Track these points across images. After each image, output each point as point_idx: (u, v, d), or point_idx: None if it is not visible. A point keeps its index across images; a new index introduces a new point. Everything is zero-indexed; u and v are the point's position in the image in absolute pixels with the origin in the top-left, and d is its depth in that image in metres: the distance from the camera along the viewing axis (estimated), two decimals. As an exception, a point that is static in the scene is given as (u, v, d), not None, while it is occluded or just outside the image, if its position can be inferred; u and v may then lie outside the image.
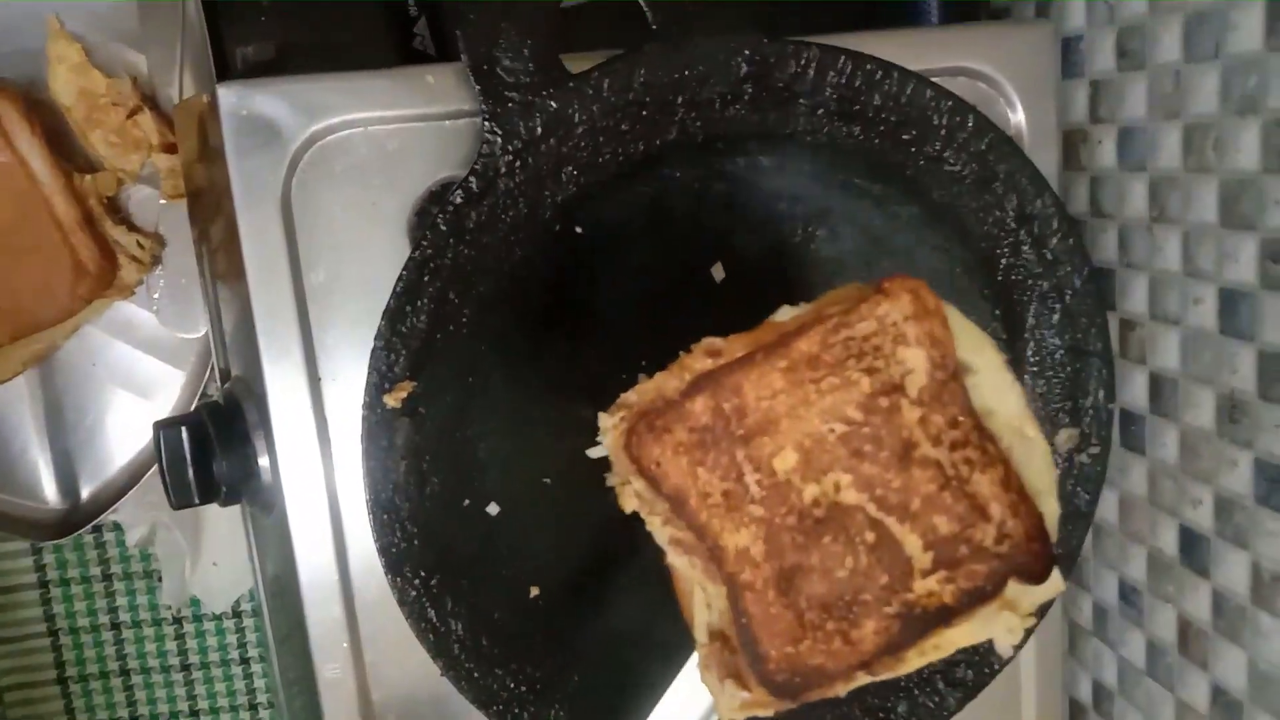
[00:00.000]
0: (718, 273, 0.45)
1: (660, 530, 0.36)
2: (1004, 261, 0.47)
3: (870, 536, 0.34)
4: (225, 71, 0.60)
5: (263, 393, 0.47)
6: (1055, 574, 0.35)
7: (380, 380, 0.43)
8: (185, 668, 0.67)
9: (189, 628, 0.66)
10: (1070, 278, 0.47)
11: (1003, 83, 0.50)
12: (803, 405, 0.33)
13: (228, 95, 0.44)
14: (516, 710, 0.46)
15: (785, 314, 0.36)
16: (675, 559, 0.36)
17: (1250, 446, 0.43)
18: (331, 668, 0.49)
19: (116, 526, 0.67)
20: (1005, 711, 0.54)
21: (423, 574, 0.45)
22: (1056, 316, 0.47)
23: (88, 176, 0.62)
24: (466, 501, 0.45)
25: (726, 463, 0.34)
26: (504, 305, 0.44)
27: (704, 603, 0.37)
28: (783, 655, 0.35)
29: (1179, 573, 0.48)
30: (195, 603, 0.66)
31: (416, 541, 0.45)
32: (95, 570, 0.65)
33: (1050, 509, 0.36)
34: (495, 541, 0.46)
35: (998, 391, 0.35)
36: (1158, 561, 0.50)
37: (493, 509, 0.46)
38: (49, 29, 0.60)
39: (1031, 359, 0.48)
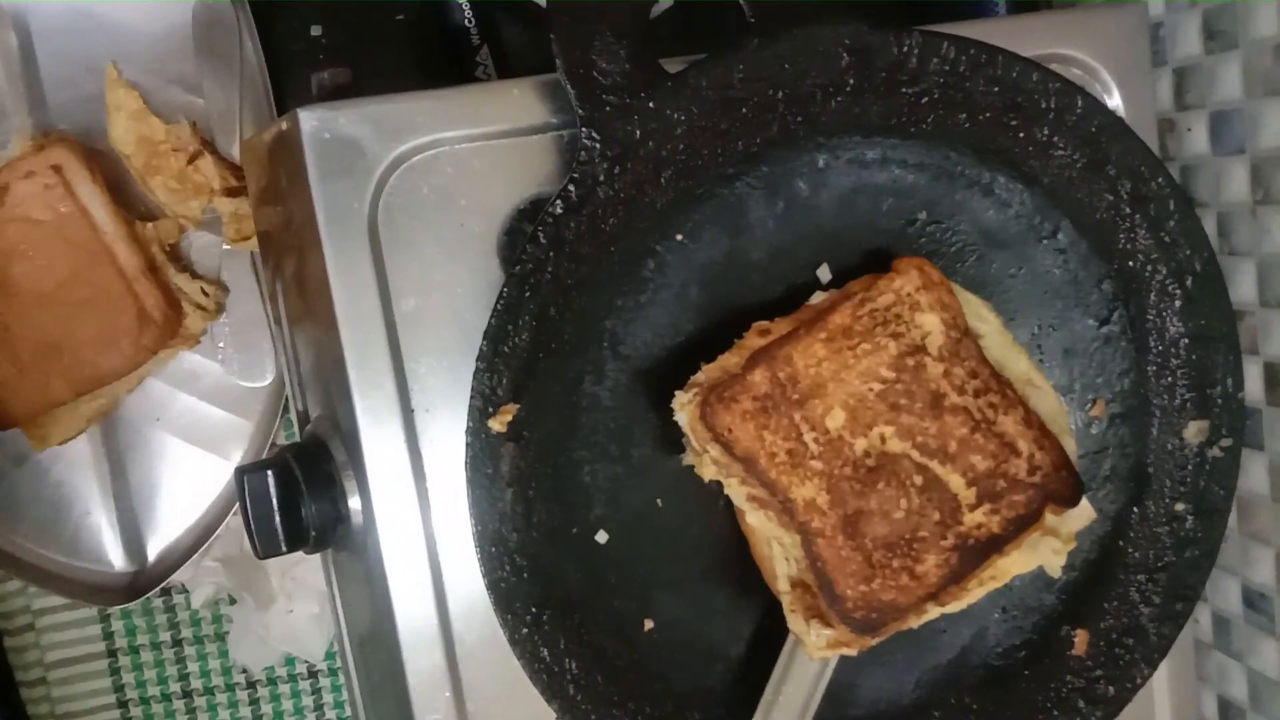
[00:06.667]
0: (823, 274, 0.43)
1: (738, 490, 0.40)
2: (1120, 248, 0.45)
3: (918, 479, 0.39)
4: (285, 107, 0.59)
5: (353, 428, 0.45)
6: (1085, 502, 0.40)
7: (484, 404, 0.41)
8: (263, 734, 0.64)
9: (263, 691, 0.64)
10: (1191, 260, 0.44)
11: (1097, 68, 0.48)
12: (844, 369, 0.39)
13: (309, 120, 0.42)
14: (636, 753, 0.44)
15: (818, 297, 0.41)
16: (753, 516, 0.40)
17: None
18: (433, 718, 0.47)
19: (185, 588, 0.65)
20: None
21: (533, 609, 0.42)
22: (1179, 303, 0.45)
23: (149, 224, 0.60)
24: (575, 530, 0.43)
25: (787, 425, 0.39)
26: (604, 320, 0.42)
27: (782, 555, 0.40)
28: (858, 594, 0.38)
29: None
30: (268, 666, 0.63)
31: (526, 574, 0.42)
32: (165, 635, 0.62)
33: (1069, 447, 0.40)
34: (605, 571, 0.43)
35: (1003, 349, 0.41)
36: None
37: (601, 537, 0.43)
38: (107, 77, 0.59)
39: (1154, 348, 0.45)
